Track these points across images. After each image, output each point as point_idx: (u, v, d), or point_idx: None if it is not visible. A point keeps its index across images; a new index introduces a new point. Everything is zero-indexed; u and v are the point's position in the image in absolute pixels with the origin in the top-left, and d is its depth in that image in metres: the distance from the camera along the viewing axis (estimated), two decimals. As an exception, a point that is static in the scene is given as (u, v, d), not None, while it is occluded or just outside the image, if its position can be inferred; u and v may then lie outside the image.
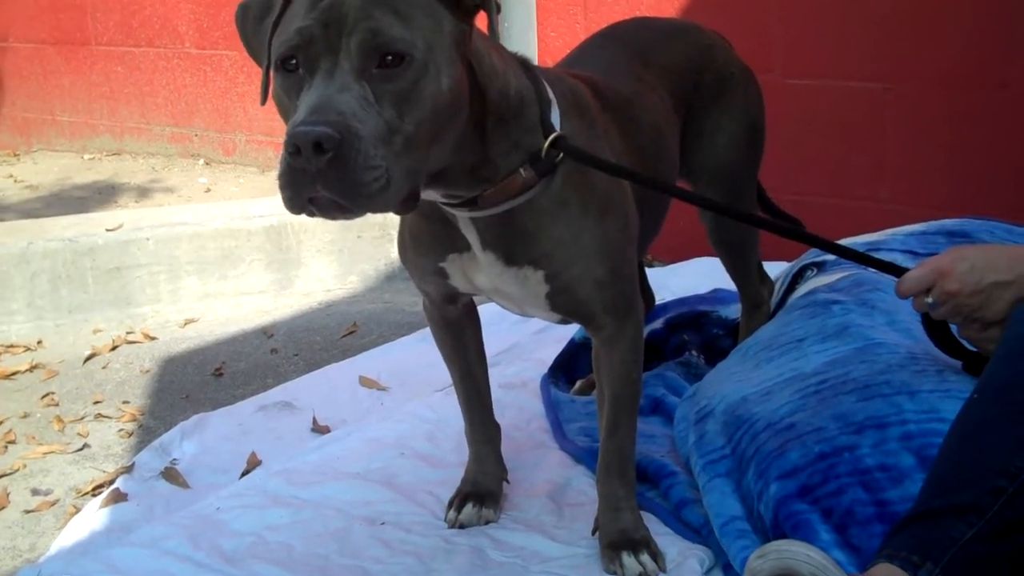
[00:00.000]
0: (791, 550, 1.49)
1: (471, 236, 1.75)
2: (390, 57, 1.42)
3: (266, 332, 3.54)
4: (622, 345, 1.86)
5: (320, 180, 1.37)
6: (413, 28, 1.44)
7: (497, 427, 2.17)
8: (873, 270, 2.42)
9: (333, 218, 1.45)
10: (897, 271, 1.82)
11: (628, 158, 1.92)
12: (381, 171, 1.38)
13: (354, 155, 1.36)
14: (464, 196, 1.68)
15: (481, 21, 1.57)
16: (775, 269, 2.81)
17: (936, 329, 1.86)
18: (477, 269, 1.80)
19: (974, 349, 1.83)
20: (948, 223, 2.63)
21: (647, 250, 2.12)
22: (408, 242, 1.88)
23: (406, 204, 1.48)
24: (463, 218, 1.73)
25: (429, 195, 1.67)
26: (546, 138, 1.68)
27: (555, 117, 1.71)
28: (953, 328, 1.84)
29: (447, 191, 1.67)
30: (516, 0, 4.09)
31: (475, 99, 1.57)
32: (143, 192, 5.16)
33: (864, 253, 1.89)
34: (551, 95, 1.73)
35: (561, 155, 1.69)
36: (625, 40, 2.23)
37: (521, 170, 1.67)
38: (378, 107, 1.41)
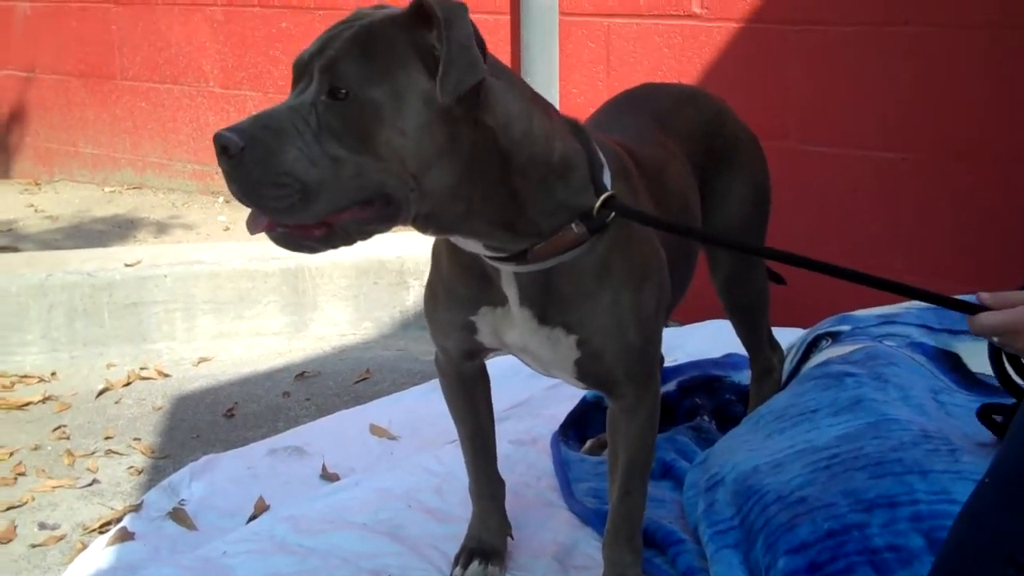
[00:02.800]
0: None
1: (511, 291, 1.76)
2: (341, 91, 1.48)
3: (290, 374, 3.55)
4: (641, 413, 1.87)
5: (228, 178, 1.47)
6: (374, 72, 1.48)
7: (502, 483, 2.17)
8: (889, 342, 2.45)
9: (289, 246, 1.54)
10: (970, 309, 1.77)
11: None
12: (290, 188, 1.46)
13: (252, 165, 1.45)
14: (509, 250, 1.69)
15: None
16: (788, 335, 2.82)
17: (999, 357, 1.84)
18: (509, 325, 1.81)
19: None
20: (963, 298, 2.63)
21: (668, 318, 2.13)
22: (440, 294, 1.89)
23: (362, 219, 1.52)
24: (506, 272, 1.74)
25: (471, 246, 1.70)
26: (598, 198, 1.70)
27: (607, 178, 1.73)
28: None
29: (485, 242, 1.68)
30: (539, 56, 4.15)
31: (492, 161, 1.59)
32: (162, 227, 5.20)
33: (932, 292, 1.83)
34: (603, 158, 1.75)
35: (613, 214, 1.70)
36: (643, 106, 2.26)
37: (573, 226, 1.68)
38: (318, 132, 1.48)
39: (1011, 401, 1.86)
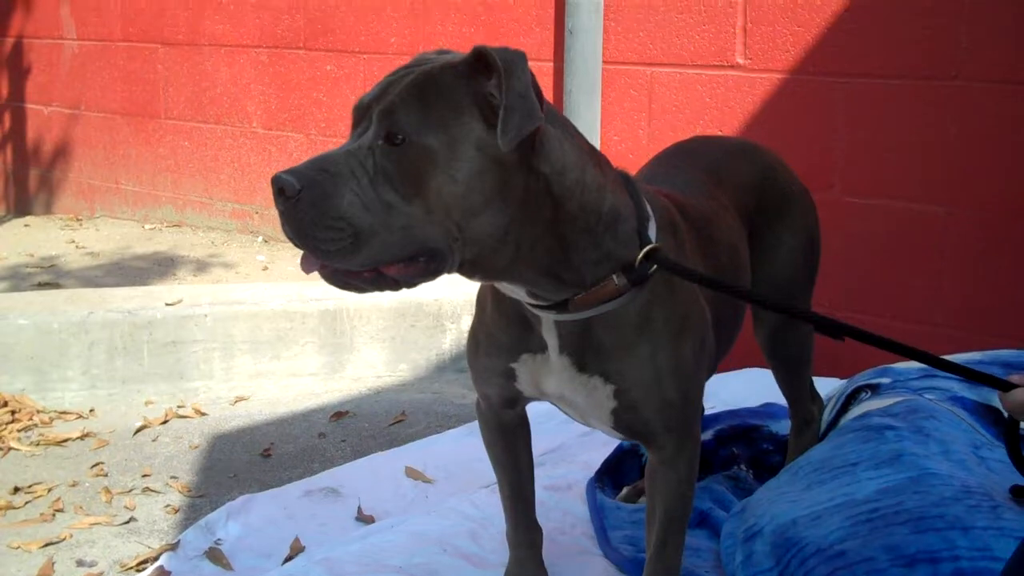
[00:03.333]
0: None
1: (551, 339, 1.77)
2: (398, 136, 1.50)
3: (325, 414, 3.57)
4: (680, 465, 1.86)
5: (283, 220, 1.49)
6: (431, 119, 1.51)
7: (539, 530, 2.17)
8: (930, 396, 2.43)
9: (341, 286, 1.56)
10: (1003, 385, 1.76)
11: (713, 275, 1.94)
12: (343, 232, 1.48)
13: (308, 208, 1.47)
14: (551, 299, 1.70)
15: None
16: (827, 385, 2.80)
17: (1015, 441, 1.83)
18: (548, 372, 1.81)
19: None
20: (1004, 353, 2.62)
21: (713, 373, 2.13)
22: (482, 341, 1.90)
23: (408, 274, 1.54)
24: (547, 320, 1.75)
25: (515, 292, 1.71)
26: (642, 250, 1.71)
27: (652, 231, 1.74)
28: None
29: (529, 289, 1.69)
30: (581, 104, 4.18)
31: (543, 207, 1.60)
32: (201, 266, 5.24)
33: (964, 366, 1.82)
34: (650, 211, 1.76)
35: (655, 267, 1.71)
36: (695, 159, 2.27)
37: (615, 277, 1.69)
38: (374, 177, 1.50)
39: None
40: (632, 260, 1.70)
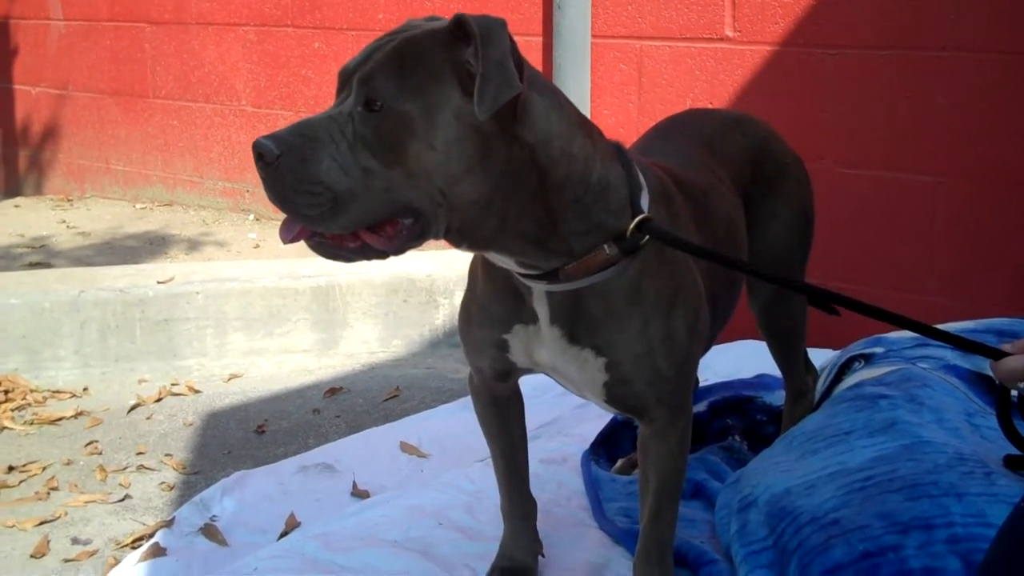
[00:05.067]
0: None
1: (541, 310, 1.76)
2: (376, 103, 1.50)
3: (319, 391, 3.57)
4: (672, 438, 1.86)
5: (264, 184, 1.51)
6: (409, 86, 1.50)
7: (534, 503, 2.17)
8: (923, 365, 2.44)
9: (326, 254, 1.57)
10: (994, 354, 1.77)
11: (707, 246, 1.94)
12: (322, 196, 1.49)
13: (287, 172, 1.49)
14: (541, 268, 1.69)
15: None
16: (821, 355, 2.81)
17: (1007, 412, 1.84)
18: (540, 344, 1.81)
19: None
20: (997, 322, 2.63)
21: (711, 345, 2.13)
22: (474, 313, 1.89)
23: (393, 240, 1.55)
24: (538, 291, 1.75)
25: (504, 262, 1.71)
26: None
27: (644, 202, 1.73)
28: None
29: (518, 259, 1.68)
30: (570, 78, 4.17)
31: (528, 176, 1.59)
32: (193, 245, 5.23)
33: (956, 335, 1.83)
34: (643, 181, 1.75)
35: (647, 237, 1.70)
36: (690, 131, 2.26)
37: (605, 246, 1.68)
38: (353, 143, 1.50)
39: None
40: (624, 230, 1.69)
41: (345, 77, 1.57)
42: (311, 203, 1.49)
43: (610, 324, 1.75)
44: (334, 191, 1.49)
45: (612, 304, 1.74)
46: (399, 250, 1.57)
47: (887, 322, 1.79)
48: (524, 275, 1.73)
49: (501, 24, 1.52)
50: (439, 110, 1.51)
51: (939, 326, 2.61)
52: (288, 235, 1.55)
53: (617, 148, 1.76)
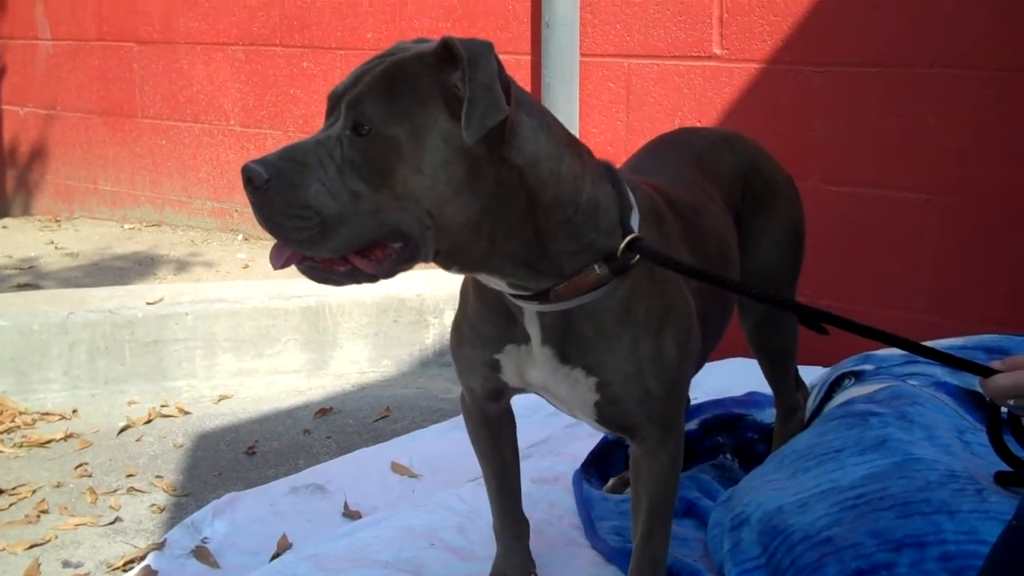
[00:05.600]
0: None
1: (533, 330, 1.76)
2: (364, 127, 1.51)
3: (310, 411, 3.56)
4: (663, 457, 1.87)
5: (253, 209, 1.52)
6: (396, 109, 1.51)
7: (526, 522, 2.17)
8: (913, 382, 2.45)
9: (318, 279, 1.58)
10: (984, 371, 1.78)
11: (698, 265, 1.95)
12: (310, 221, 1.49)
13: (276, 197, 1.49)
14: (532, 289, 1.70)
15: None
16: (811, 373, 2.82)
17: (997, 429, 1.85)
18: (532, 364, 1.81)
19: None
20: (986, 339, 2.64)
21: (703, 364, 2.13)
22: (465, 333, 1.90)
23: (383, 263, 1.55)
24: (529, 311, 1.75)
25: (495, 284, 1.71)
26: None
27: (634, 221, 1.73)
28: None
29: (508, 280, 1.69)
30: (559, 97, 4.18)
31: (517, 198, 1.59)
32: (182, 265, 5.23)
33: (946, 353, 1.84)
34: (632, 200, 1.75)
35: (637, 256, 1.70)
36: (680, 150, 2.27)
37: (596, 266, 1.68)
38: (341, 166, 1.51)
39: None
40: (614, 250, 1.70)
41: (334, 101, 1.58)
42: (300, 227, 1.50)
43: (601, 344, 1.75)
44: (323, 215, 1.50)
45: (603, 324, 1.74)
46: (389, 273, 1.57)
47: (876, 340, 1.80)
48: (515, 296, 1.73)
49: (488, 47, 1.52)
50: (427, 133, 1.51)
51: (928, 343, 2.65)
52: (278, 260, 1.56)
53: (607, 168, 1.77)
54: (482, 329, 1.85)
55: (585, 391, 1.79)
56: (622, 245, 1.70)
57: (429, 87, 1.53)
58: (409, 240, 1.55)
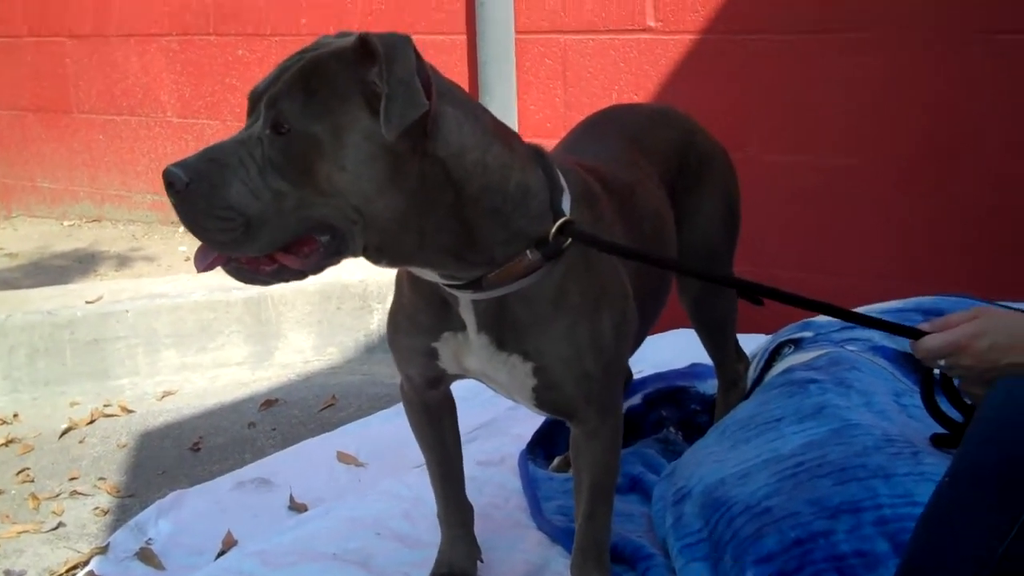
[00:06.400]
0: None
1: (468, 318, 1.75)
2: (283, 126, 1.49)
3: (255, 403, 3.53)
4: (603, 437, 1.86)
5: (176, 212, 1.50)
6: (315, 107, 1.49)
7: (470, 508, 2.16)
8: (851, 347, 2.45)
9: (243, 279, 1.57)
10: (914, 334, 1.79)
11: (634, 246, 1.93)
12: (233, 221, 1.47)
13: (197, 199, 1.47)
14: (463, 278, 1.68)
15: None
16: (751, 341, 2.82)
17: (931, 391, 1.86)
18: (469, 351, 1.80)
19: (968, 402, 1.83)
20: (923, 300, 2.64)
21: (642, 342, 2.13)
22: (402, 321, 1.88)
23: (310, 259, 1.54)
24: (464, 299, 1.73)
25: (427, 275, 1.70)
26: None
27: (566, 204, 1.72)
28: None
29: (440, 272, 1.67)
30: (496, 75, 4.15)
31: (443, 191, 1.57)
32: (123, 261, 5.16)
33: (877, 318, 1.85)
34: (563, 183, 1.74)
35: (569, 240, 1.69)
36: (614, 128, 2.25)
37: (528, 252, 1.67)
38: (262, 166, 1.49)
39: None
40: (546, 235, 1.69)
41: (254, 99, 1.56)
42: (223, 228, 1.48)
43: (536, 329, 1.74)
44: (246, 215, 1.48)
45: (538, 309, 1.73)
46: (316, 269, 1.56)
47: (809, 309, 1.81)
48: (448, 285, 1.71)
49: (406, 41, 1.50)
50: (347, 131, 1.49)
51: (868, 306, 2.66)
52: (203, 263, 1.54)
53: (537, 152, 1.75)
54: (418, 318, 1.84)
55: (523, 376, 1.78)
56: (553, 230, 1.69)
57: (348, 84, 1.51)
58: (336, 232, 1.53)
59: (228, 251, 1.51)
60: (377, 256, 1.59)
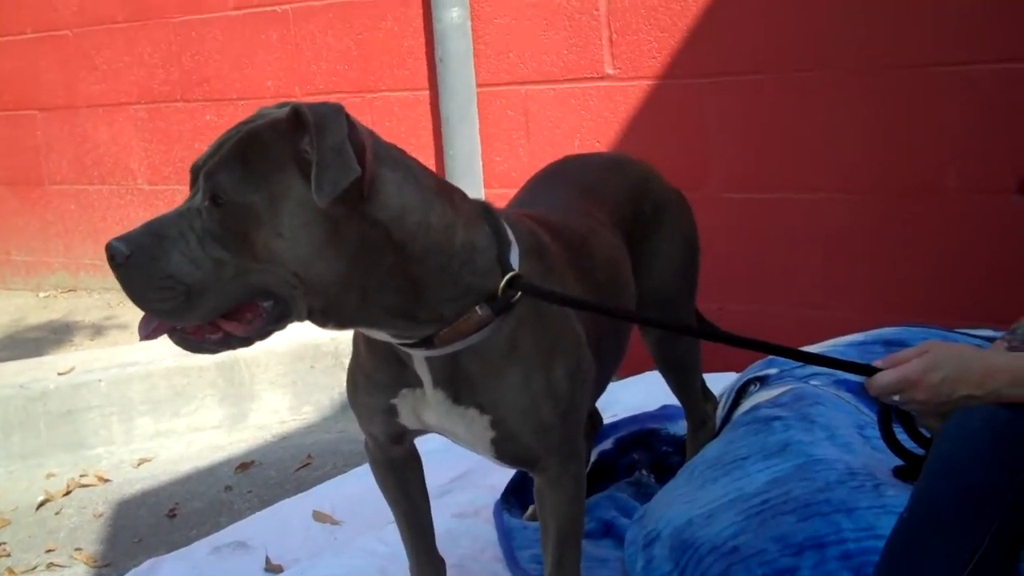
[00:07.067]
0: None
1: (424, 374, 1.76)
2: (220, 197, 1.52)
3: (231, 466, 3.52)
4: (566, 485, 1.87)
5: (120, 284, 1.53)
6: (251, 178, 1.52)
7: (442, 562, 2.16)
8: (815, 382, 2.47)
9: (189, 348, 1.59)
10: (867, 371, 1.81)
11: (587, 295, 1.95)
12: (174, 291, 1.51)
13: (138, 270, 1.51)
14: (415, 337, 1.70)
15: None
16: (719, 381, 2.83)
17: (888, 426, 1.87)
18: (427, 406, 1.81)
19: (927, 435, 1.84)
20: (887, 332, 2.66)
21: (604, 387, 2.14)
22: (360, 381, 1.89)
23: (254, 326, 1.57)
24: (418, 357, 1.75)
25: (376, 335, 1.71)
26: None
27: (514, 258, 1.74)
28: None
29: (389, 332, 1.69)
30: (459, 129, 4.19)
31: (384, 253, 1.59)
32: (97, 330, 5.16)
33: (829, 356, 1.87)
34: (511, 237, 1.76)
35: (518, 294, 1.71)
36: (568, 178, 2.28)
37: (477, 308, 1.69)
38: (202, 236, 1.52)
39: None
40: (495, 290, 1.71)
41: (195, 172, 1.59)
42: (164, 297, 1.51)
43: (491, 382, 1.76)
44: (186, 284, 1.51)
45: (491, 362, 1.75)
46: (261, 334, 1.59)
47: (762, 352, 1.84)
48: (401, 344, 1.73)
49: (337, 110, 1.54)
50: (282, 199, 1.52)
51: (832, 340, 2.69)
52: (145, 331, 1.58)
53: (484, 208, 1.78)
54: (375, 376, 1.85)
55: (481, 429, 1.80)
56: (502, 284, 1.71)
57: (282, 153, 1.54)
58: (278, 298, 1.55)
59: (171, 320, 1.54)
60: (323, 319, 1.61)
